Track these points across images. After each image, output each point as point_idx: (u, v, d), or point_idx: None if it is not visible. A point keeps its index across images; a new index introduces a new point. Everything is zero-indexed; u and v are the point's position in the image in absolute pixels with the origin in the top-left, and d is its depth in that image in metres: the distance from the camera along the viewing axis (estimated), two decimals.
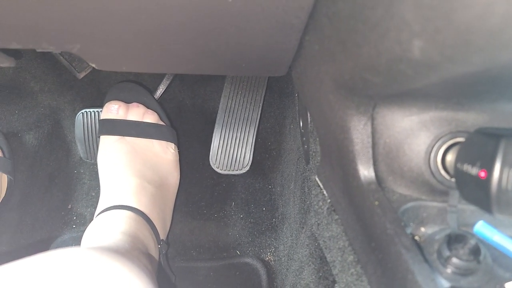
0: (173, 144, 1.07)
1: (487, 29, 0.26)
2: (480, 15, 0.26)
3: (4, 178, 1.05)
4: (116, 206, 0.90)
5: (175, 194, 1.09)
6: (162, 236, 0.96)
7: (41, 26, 0.53)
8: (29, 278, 0.48)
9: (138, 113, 1.02)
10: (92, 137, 1.13)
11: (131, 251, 0.75)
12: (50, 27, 0.53)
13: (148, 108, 1.05)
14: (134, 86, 1.06)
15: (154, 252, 0.88)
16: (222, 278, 1.09)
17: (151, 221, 0.92)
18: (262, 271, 1.08)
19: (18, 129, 1.11)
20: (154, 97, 1.08)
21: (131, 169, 0.97)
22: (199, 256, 1.12)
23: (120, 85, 1.06)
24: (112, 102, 1.03)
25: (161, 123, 1.06)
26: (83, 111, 1.12)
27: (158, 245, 0.92)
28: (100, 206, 0.93)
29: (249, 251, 1.13)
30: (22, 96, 1.11)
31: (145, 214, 0.91)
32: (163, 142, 1.05)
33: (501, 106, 0.47)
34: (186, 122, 1.17)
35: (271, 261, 1.11)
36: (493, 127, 0.48)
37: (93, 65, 0.66)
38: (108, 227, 0.83)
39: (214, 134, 1.13)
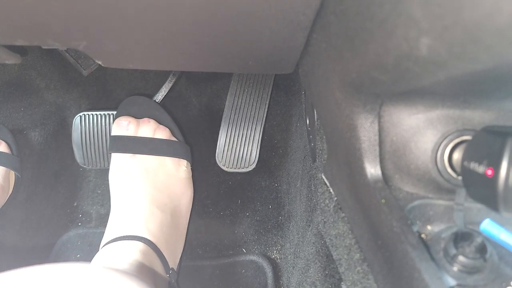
0: (185, 161, 1.05)
1: (495, 27, 0.26)
2: (488, 13, 0.26)
3: (12, 175, 1.06)
4: (123, 237, 0.88)
5: (188, 217, 1.06)
6: (172, 264, 0.93)
7: (47, 22, 0.53)
8: None
9: (149, 129, 1.00)
10: (89, 142, 1.11)
11: (138, 275, 0.74)
12: (56, 24, 0.54)
13: (160, 122, 1.02)
14: (145, 100, 1.04)
15: (163, 282, 0.86)
16: (228, 276, 1.09)
17: (159, 250, 0.89)
18: (268, 269, 1.08)
19: (23, 126, 1.12)
20: (166, 111, 1.05)
21: (141, 193, 0.95)
22: (204, 255, 1.13)
23: (130, 99, 1.04)
24: (122, 118, 1.00)
25: (173, 139, 1.03)
26: (80, 114, 1.10)
27: (167, 274, 0.89)
28: (108, 233, 0.92)
29: (255, 249, 1.13)
30: (27, 93, 1.12)
31: (153, 243, 0.89)
32: (176, 159, 1.02)
33: (508, 104, 0.47)
34: (193, 120, 1.17)
35: (277, 259, 1.12)
36: (500, 125, 0.48)
37: (99, 63, 0.66)
38: (114, 258, 0.82)
39: (220, 132, 1.13)
